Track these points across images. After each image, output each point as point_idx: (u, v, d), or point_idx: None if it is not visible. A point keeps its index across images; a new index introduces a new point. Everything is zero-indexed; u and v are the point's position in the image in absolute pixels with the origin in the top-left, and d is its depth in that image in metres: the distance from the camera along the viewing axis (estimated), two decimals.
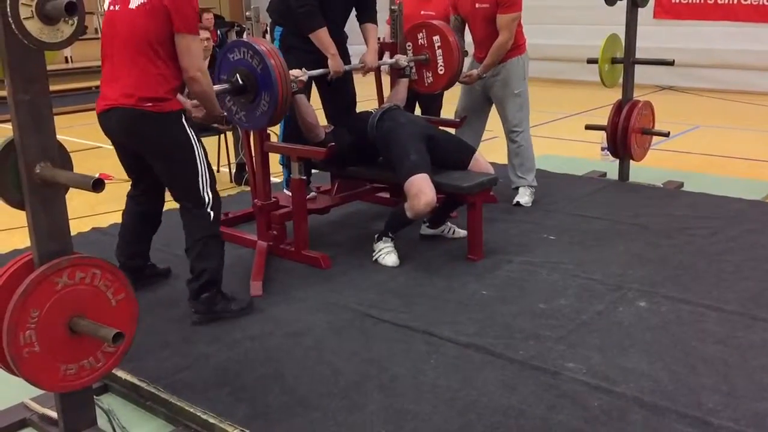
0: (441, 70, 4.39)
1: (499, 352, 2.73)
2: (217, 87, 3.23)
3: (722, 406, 2.35)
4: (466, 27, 4.67)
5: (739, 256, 3.62)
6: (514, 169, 4.63)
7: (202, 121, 3.24)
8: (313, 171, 4.35)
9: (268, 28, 11.06)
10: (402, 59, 4.28)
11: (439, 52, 4.35)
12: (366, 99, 4.78)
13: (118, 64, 2.90)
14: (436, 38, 4.34)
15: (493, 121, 4.85)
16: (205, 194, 3.00)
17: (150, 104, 2.85)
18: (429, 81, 4.48)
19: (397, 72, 4.37)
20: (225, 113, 3.34)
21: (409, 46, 4.45)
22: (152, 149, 2.98)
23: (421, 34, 4.40)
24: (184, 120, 2.97)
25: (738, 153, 6.15)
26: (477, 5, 4.42)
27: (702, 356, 2.67)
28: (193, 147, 2.97)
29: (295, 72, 3.49)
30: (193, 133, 2.99)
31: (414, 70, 4.40)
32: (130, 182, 3.30)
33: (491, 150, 5.14)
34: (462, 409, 2.38)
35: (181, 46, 2.84)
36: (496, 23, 4.38)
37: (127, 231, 3.33)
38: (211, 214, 3.01)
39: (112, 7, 2.94)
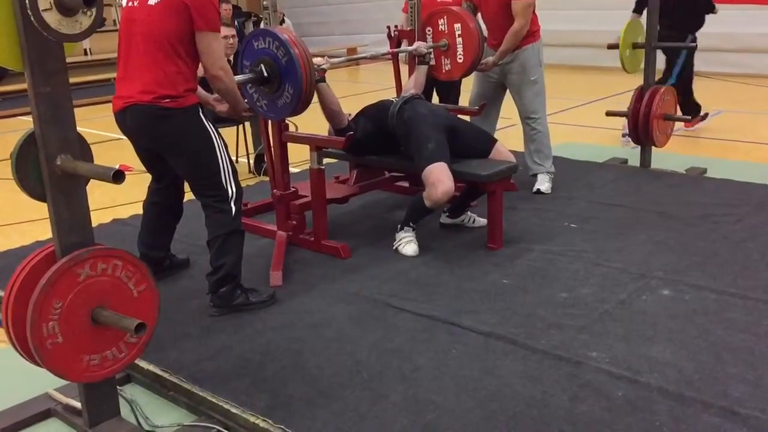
0: (460, 58, 4.35)
1: (521, 341, 2.71)
2: (240, 77, 3.22)
3: (748, 395, 2.32)
4: (479, 14, 4.62)
5: (764, 243, 3.57)
6: (531, 156, 4.60)
7: (226, 115, 3.22)
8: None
9: (285, 18, 11.06)
10: (423, 46, 4.25)
11: (459, 39, 4.31)
12: (384, 88, 4.75)
13: (137, 61, 2.86)
14: (457, 26, 4.30)
15: (511, 108, 4.81)
16: (229, 187, 2.99)
17: (168, 100, 2.83)
18: (447, 68, 4.44)
19: (416, 59, 4.34)
20: (248, 106, 3.32)
21: (429, 31, 4.42)
22: (171, 145, 2.96)
23: (442, 20, 4.37)
24: (201, 113, 2.96)
25: (762, 138, 6.06)
26: None
27: (727, 345, 2.64)
28: (212, 140, 2.96)
29: (317, 60, 3.46)
30: (211, 126, 2.98)
31: (432, 57, 4.37)
32: (152, 176, 3.30)
33: (509, 138, 5.10)
34: (484, 399, 2.36)
35: (203, 44, 2.82)
36: (509, 10, 4.33)
37: (148, 222, 3.34)
38: (233, 208, 3.00)
39: (130, 3, 2.90)
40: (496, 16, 4.44)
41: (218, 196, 2.98)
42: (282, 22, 10.67)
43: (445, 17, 4.36)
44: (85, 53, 11.92)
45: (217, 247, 3.00)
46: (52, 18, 1.86)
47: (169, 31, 2.79)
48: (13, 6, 1.89)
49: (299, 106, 3.24)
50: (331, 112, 3.75)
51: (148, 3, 2.82)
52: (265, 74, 3.22)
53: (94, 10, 1.91)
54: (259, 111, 3.45)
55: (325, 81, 3.65)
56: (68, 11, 1.87)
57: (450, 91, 5.05)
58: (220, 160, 2.97)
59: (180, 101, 2.85)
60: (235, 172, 3.04)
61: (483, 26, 4.51)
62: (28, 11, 1.83)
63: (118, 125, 3.00)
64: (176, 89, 2.84)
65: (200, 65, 2.92)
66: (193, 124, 2.91)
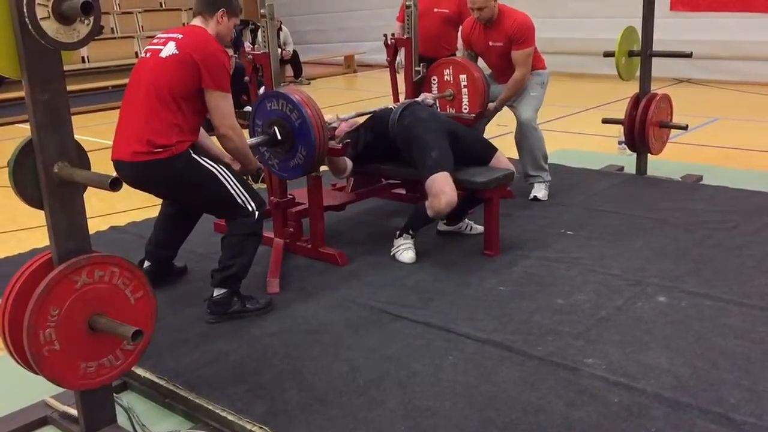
0: (466, 108, 4.40)
1: (517, 348, 2.72)
2: (253, 140, 3.26)
3: (744, 401, 2.33)
4: (479, 58, 4.68)
5: (760, 250, 3.58)
6: (527, 163, 4.62)
7: (239, 173, 3.23)
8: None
9: (282, 26, 11.07)
10: (429, 97, 4.28)
11: (465, 90, 4.37)
12: (381, 95, 4.76)
13: (135, 106, 2.90)
14: (462, 76, 4.36)
15: (506, 116, 4.82)
16: (248, 204, 3.00)
17: (160, 150, 2.84)
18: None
19: (412, 68, 4.36)
20: (261, 166, 3.36)
21: (434, 81, 4.46)
22: (176, 192, 3.02)
23: (447, 70, 4.44)
24: (193, 154, 2.95)
25: (757, 146, 6.08)
26: (491, 43, 4.45)
27: (723, 351, 2.64)
28: (213, 172, 2.96)
29: (328, 118, 3.48)
30: (206, 160, 2.97)
31: (438, 106, 4.41)
32: None
33: (505, 145, 5.11)
34: (481, 406, 2.37)
35: (211, 103, 2.87)
36: (510, 58, 4.40)
37: (160, 221, 3.38)
38: (257, 213, 3.03)
39: (144, 55, 2.97)
40: (499, 64, 4.54)
41: (243, 215, 3.01)
42: (279, 30, 10.69)
43: (450, 68, 4.42)
44: (83, 61, 11.93)
45: (234, 245, 3.01)
46: (50, 26, 1.87)
47: (172, 83, 2.83)
48: (11, 14, 1.90)
49: (312, 166, 3.29)
50: (335, 170, 3.74)
51: (160, 55, 2.88)
52: (279, 136, 3.26)
53: (91, 18, 1.92)
54: (271, 170, 3.50)
55: (334, 139, 3.66)
56: (66, 20, 1.88)
57: None
58: (228, 187, 2.98)
59: (171, 150, 2.86)
60: (248, 187, 3.05)
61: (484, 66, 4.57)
62: (26, 19, 1.84)
63: (116, 173, 2.99)
64: (168, 139, 2.85)
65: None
66: (188, 167, 2.92)
